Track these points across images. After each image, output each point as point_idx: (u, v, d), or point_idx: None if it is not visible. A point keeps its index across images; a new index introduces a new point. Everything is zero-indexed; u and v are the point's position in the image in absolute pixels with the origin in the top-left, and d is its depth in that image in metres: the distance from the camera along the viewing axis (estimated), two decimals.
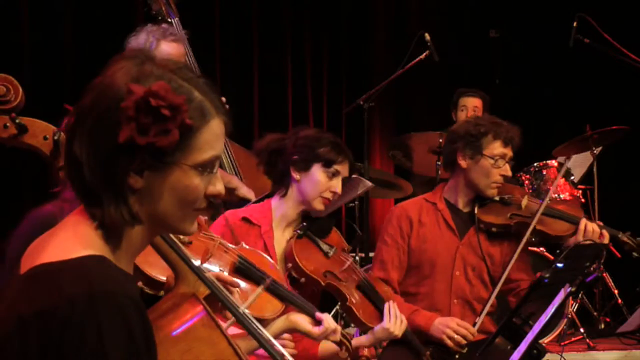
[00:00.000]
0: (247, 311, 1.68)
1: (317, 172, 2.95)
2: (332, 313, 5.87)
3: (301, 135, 3.01)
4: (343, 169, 2.98)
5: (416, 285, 3.58)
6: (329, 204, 3.00)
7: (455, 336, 3.38)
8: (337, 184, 2.97)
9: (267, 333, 1.69)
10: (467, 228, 3.62)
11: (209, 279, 1.65)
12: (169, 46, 3.71)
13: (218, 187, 1.43)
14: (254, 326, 1.68)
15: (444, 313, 3.54)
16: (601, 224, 3.64)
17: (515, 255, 3.52)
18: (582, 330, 5.27)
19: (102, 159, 1.34)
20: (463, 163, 3.58)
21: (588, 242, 3.47)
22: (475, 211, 3.58)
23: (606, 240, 3.58)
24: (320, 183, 2.95)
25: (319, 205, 2.97)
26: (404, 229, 3.59)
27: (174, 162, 1.36)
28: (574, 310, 5.40)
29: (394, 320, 2.99)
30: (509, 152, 3.58)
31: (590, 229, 3.53)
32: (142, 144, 1.31)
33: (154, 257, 1.73)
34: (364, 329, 3.01)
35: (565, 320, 5.21)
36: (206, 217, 2.69)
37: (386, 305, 3.03)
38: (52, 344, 1.26)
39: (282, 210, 3.02)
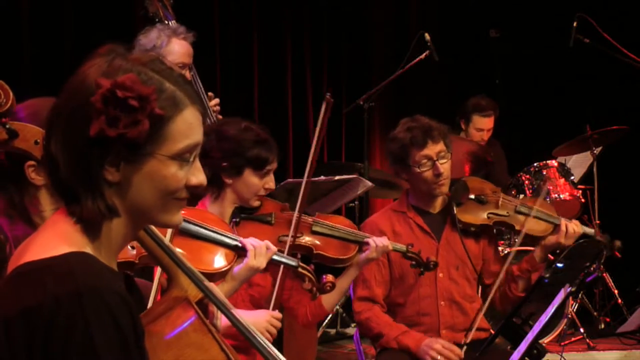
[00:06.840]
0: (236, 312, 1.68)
1: (250, 176, 2.95)
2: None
3: (224, 135, 2.98)
4: (273, 165, 3.00)
5: (403, 295, 3.57)
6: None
7: (439, 357, 3.37)
8: (270, 181, 2.99)
9: (261, 336, 1.70)
10: (441, 229, 3.63)
11: (202, 282, 1.65)
12: (178, 44, 3.73)
13: (200, 178, 1.43)
14: (248, 328, 1.69)
15: (433, 317, 3.54)
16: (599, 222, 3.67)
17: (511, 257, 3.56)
18: (582, 330, 5.28)
19: (76, 155, 1.34)
20: (405, 177, 3.67)
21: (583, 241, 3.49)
22: (455, 211, 3.59)
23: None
24: (254, 185, 2.96)
25: (255, 203, 3.00)
26: None
27: (148, 152, 1.36)
28: (574, 310, 5.40)
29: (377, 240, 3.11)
30: (431, 149, 3.54)
31: (572, 230, 3.57)
32: (113, 136, 1.31)
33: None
34: (341, 264, 3.00)
35: (565, 320, 5.20)
36: None
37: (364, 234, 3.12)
38: (38, 343, 1.26)
39: (217, 211, 2.98)
